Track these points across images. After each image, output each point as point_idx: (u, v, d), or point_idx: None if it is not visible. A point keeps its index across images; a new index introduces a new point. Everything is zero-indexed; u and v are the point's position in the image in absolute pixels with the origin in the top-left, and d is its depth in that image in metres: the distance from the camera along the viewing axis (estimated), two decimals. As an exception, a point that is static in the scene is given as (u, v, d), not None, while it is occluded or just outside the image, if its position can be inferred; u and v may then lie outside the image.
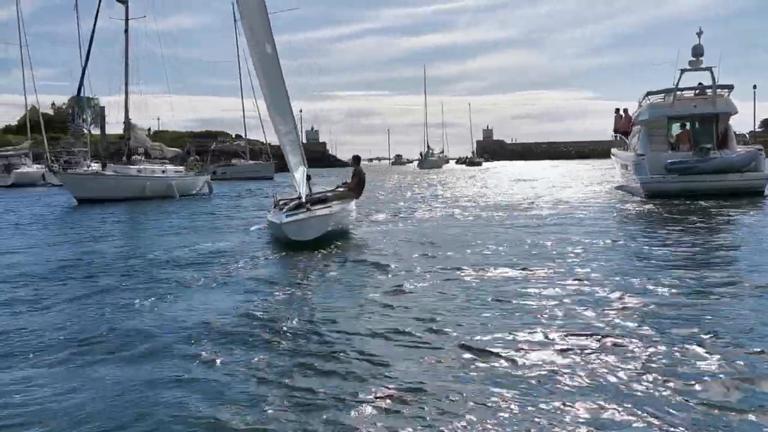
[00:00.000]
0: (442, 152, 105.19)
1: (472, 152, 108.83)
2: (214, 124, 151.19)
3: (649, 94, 21.58)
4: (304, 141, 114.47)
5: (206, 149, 42.05)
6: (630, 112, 24.63)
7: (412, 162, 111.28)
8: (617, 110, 26.42)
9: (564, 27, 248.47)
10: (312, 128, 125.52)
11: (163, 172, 29.30)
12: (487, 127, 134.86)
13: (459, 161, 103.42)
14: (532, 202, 19.65)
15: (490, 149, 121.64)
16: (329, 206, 11.98)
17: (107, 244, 12.80)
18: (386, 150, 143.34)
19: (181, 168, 31.51)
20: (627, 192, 21.32)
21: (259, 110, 50.56)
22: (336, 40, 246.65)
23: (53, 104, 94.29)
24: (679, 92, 21.30)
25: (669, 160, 18.81)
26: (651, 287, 6.98)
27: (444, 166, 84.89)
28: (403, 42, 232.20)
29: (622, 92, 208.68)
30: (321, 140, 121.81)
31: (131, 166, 28.13)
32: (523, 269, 8.25)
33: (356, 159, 14.62)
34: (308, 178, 13.00)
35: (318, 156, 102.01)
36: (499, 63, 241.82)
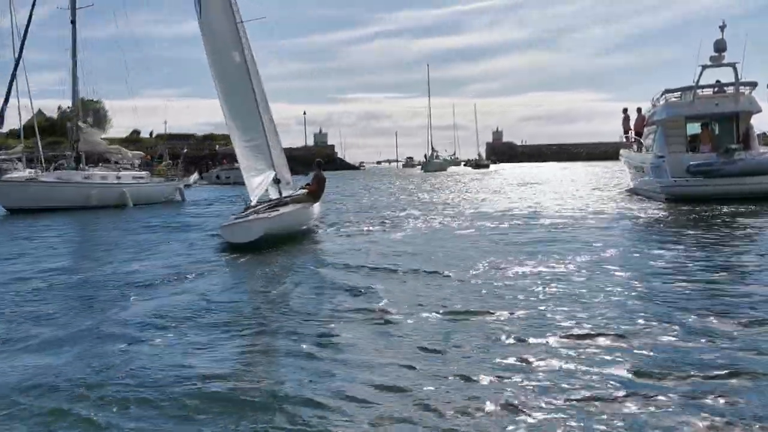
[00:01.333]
0: (454, 154, 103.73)
1: (479, 154, 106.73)
2: (224, 127, 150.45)
3: (667, 92, 20.34)
4: (311, 144, 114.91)
5: (179, 153, 37.35)
6: (643, 112, 23.44)
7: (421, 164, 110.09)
8: (625, 110, 25.37)
9: (575, 28, 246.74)
10: (320, 131, 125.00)
11: (118, 178, 26.13)
12: (497, 128, 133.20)
13: (467, 164, 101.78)
14: (535, 211, 17.33)
15: (500, 151, 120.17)
16: (275, 210, 12.25)
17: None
18: (397, 152, 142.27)
19: (143, 174, 28.27)
20: (642, 195, 20.11)
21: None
22: (348, 42, 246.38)
23: (59, 107, 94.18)
24: (698, 90, 20.10)
25: (691, 162, 17.59)
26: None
27: (450, 169, 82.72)
28: (415, 44, 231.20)
29: (635, 94, 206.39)
30: (330, 143, 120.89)
31: (77, 172, 25.20)
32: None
33: (318, 164, 14.91)
34: (277, 181, 13.63)
35: (326, 159, 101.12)
36: (510, 65, 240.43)
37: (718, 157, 17.58)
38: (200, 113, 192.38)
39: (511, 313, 6.11)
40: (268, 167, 13.71)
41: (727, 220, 13.31)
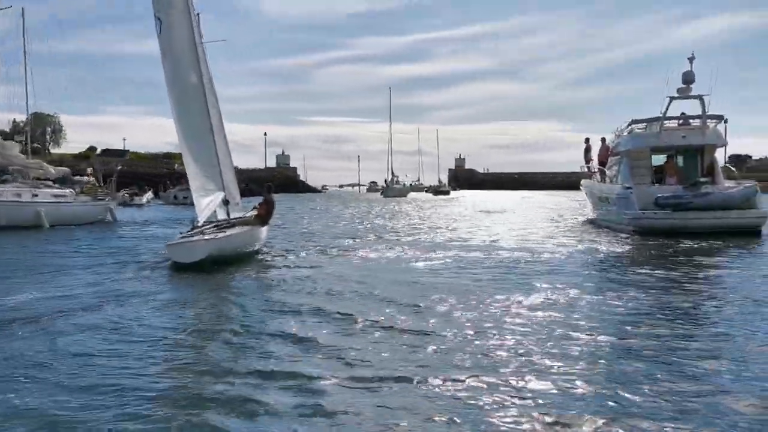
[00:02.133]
0: (418, 180, 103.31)
1: (439, 181, 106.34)
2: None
3: (634, 122, 20.09)
4: (274, 165, 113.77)
5: (112, 171, 33.07)
6: (607, 142, 23.21)
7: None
8: (587, 140, 25.36)
9: (539, 61, 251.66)
10: (282, 152, 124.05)
11: (34, 196, 23.45)
12: (460, 155, 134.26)
13: (428, 190, 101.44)
14: (494, 241, 16.27)
15: (462, 178, 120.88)
16: (222, 232, 12.28)
17: None
18: (359, 176, 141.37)
19: (66, 192, 25.43)
20: (606, 227, 19.67)
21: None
22: (314, 66, 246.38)
23: (14, 121, 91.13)
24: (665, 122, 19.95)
25: (659, 194, 17.24)
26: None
27: (411, 195, 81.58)
28: (380, 70, 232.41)
29: (597, 126, 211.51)
30: (292, 165, 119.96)
31: None
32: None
33: (268, 188, 15.16)
34: (226, 203, 13.71)
35: (287, 181, 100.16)
36: (474, 94, 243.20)
37: (685, 190, 17.28)
38: (165, 131, 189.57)
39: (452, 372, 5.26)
40: (218, 188, 13.67)
41: (694, 257, 12.75)
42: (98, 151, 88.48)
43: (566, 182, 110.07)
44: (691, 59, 18.82)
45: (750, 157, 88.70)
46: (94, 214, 25.80)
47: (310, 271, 11.13)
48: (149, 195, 52.53)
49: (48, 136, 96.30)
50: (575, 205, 39.96)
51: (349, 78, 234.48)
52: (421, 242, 16.37)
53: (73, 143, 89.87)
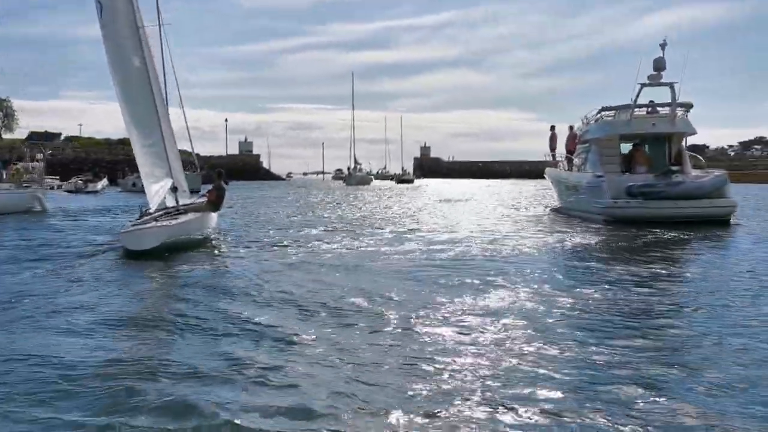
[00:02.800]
0: (384, 168, 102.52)
1: (402, 169, 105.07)
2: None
3: (604, 109, 19.71)
4: (236, 152, 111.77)
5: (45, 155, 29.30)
6: (575, 130, 22.89)
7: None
8: (552, 128, 24.95)
9: (501, 50, 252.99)
10: (245, 139, 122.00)
11: None
12: (425, 144, 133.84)
13: (392, 178, 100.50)
14: (457, 233, 15.08)
15: (427, 166, 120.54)
16: (174, 219, 12.18)
17: None
18: (325, 164, 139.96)
19: None
20: (574, 216, 19.30)
21: (186, 120, 47.33)
22: (279, 52, 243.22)
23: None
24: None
25: (630, 183, 16.89)
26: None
27: (374, 183, 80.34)
28: (345, 57, 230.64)
29: (560, 115, 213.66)
30: (255, 152, 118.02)
31: None
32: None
33: (218, 173, 14.92)
34: (174, 189, 13.57)
35: (250, 168, 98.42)
36: (438, 82, 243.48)
37: (656, 178, 16.98)
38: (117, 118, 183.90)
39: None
40: (166, 175, 13.54)
41: (669, 248, 12.34)
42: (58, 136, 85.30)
43: (532, 171, 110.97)
44: (662, 45, 18.44)
45: (707, 147, 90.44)
46: (19, 203, 22.99)
47: (248, 261, 10.60)
48: (104, 182, 50.70)
49: (0, 121, 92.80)
50: (541, 193, 39.96)
51: (315, 65, 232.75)
52: (403, 233, 15.17)
53: (28, 129, 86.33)
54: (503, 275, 8.95)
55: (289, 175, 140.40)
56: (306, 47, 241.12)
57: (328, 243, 13.14)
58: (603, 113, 19.79)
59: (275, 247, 12.45)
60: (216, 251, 12.09)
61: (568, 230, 15.57)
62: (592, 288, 8.02)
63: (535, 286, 8.13)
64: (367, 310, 6.85)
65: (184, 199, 14.19)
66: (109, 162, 64.01)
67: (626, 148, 19.45)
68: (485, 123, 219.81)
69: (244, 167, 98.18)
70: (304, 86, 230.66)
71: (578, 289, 7.92)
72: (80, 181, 47.47)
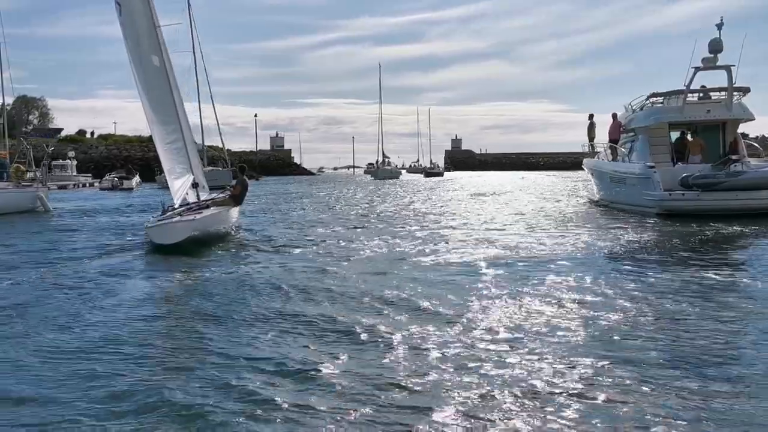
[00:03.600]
0: (417, 161, 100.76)
1: (431, 162, 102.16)
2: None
3: (654, 95, 18.55)
4: (268, 148, 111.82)
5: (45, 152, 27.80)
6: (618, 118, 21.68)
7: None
8: (591, 116, 23.76)
9: (529, 41, 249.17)
10: (276, 134, 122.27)
11: None
12: (456, 136, 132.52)
13: (416, 171, 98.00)
14: (499, 230, 14.22)
15: (459, 159, 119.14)
16: (198, 213, 12.23)
17: None
18: (356, 158, 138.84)
19: None
20: (620, 209, 18.21)
21: (216, 116, 47.64)
22: (308, 48, 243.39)
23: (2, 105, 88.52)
24: (680, 95, 18.50)
25: (685, 174, 15.78)
26: None
27: (404, 177, 77.91)
28: (374, 51, 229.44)
29: (592, 105, 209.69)
30: (287, 147, 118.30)
31: None
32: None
33: (241, 168, 15.55)
34: (195, 185, 13.62)
35: (281, 164, 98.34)
36: (470, 74, 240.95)
37: (713, 168, 15.85)
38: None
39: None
40: (188, 171, 13.65)
41: (730, 245, 11.34)
42: (92, 134, 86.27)
43: (565, 162, 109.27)
44: (719, 25, 17.15)
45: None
46: (19, 203, 21.63)
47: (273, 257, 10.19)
48: (137, 179, 50.82)
49: (36, 120, 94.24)
50: (578, 185, 38.62)
51: (345, 60, 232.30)
52: (408, 233, 13.97)
53: (63, 127, 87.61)
54: (550, 281, 8.05)
55: (320, 169, 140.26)
56: (335, 42, 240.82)
57: (354, 243, 12.36)
58: (652, 99, 18.62)
59: (296, 249, 11.59)
60: (242, 252, 11.52)
61: (619, 226, 14.43)
62: (649, 302, 6.95)
63: (588, 296, 7.20)
64: (399, 322, 6.07)
65: (204, 195, 14.30)
66: (140, 159, 64.21)
67: (673, 136, 18.38)
68: (515, 115, 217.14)
69: (276, 162, 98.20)
70: (334, 81, 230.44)
71: (638, 304, 6.89)
72: (116, 179, 47.65)
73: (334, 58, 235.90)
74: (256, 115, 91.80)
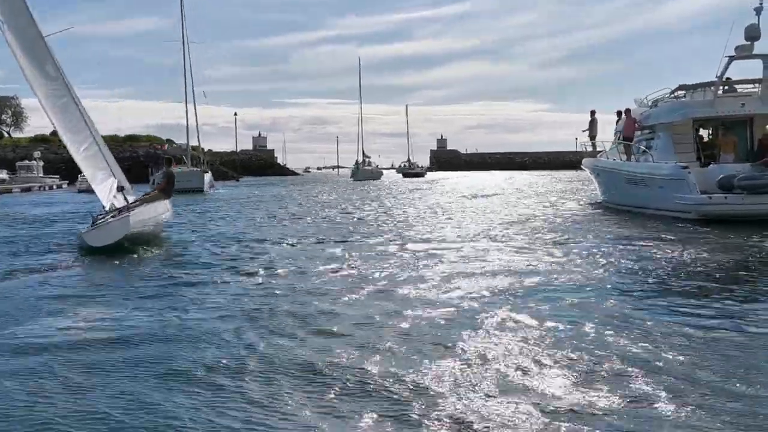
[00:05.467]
0: (408, 161, 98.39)
1: (409, 160, 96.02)
2: (165, 130, 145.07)
3: (681, 88, 16.76)
4: (250, 148, 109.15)
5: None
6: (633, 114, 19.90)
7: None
8: (593, 113, 22.26)
9: (517, 41, 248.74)
10: (259, 134, 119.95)
11: None
12: (441, 136, 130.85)
13: (398, 170, 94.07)
14: (504, 243, 11.69)
15: (444, 159, 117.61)
16: (128, 213, 11.94)
17: None
18: (343, 158, 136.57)
19: None
20: (638, 214, 16.39)
21: (197, 116, 45.61)
22: (295, 47, 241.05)
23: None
24: (701, 89, 16.82)
25: (725, 175, 14.01)
26: None
27: (384, 178, 72.86)
28: (364, 51, 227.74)
29: (576, 105, 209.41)
30: (269, 147, 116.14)
31: None
32: None
33: (168, 161, 15.78)
34: (121, 189, 13.36)
35: (263, 164, 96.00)
36: (458, 74, 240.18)
37: (754, 168, 14.10)
38: (146, 114, 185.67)
39: None
40: (109, 175, 13.52)
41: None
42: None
43: (551, 162, 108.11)
44: (758, 10, 15.31)
45: None
46: None
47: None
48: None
49: (9, 119, 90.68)
50: (571, 187, 36.98)
51: (331, 59, 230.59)
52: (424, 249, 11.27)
53: (39, 127, 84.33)
54: (572, 315, 6.06)
55: (307, 169, 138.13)
56: (322, 41, 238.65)
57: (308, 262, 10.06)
58: (677, 93, 16.84)
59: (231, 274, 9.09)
60: (169, 283, 8.63)
61: (645, 236, 12.25)
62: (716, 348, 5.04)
63: (629, 337, 5.18)
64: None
65: (131, 197, 14.04)
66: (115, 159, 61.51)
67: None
68: (501, 114, 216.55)
69: (258, 163, 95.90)
70: (320, 80, 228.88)
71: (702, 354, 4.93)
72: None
73: (320, 58, 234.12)
74: (236, 114, 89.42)
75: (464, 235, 13.18)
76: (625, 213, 17.25)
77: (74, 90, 13.75)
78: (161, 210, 13.80)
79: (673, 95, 17.05)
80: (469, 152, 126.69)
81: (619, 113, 20.79)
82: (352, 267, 9.42)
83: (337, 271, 9.06)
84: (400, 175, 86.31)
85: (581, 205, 21.90)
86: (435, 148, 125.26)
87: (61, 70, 13.30)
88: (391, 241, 12.56)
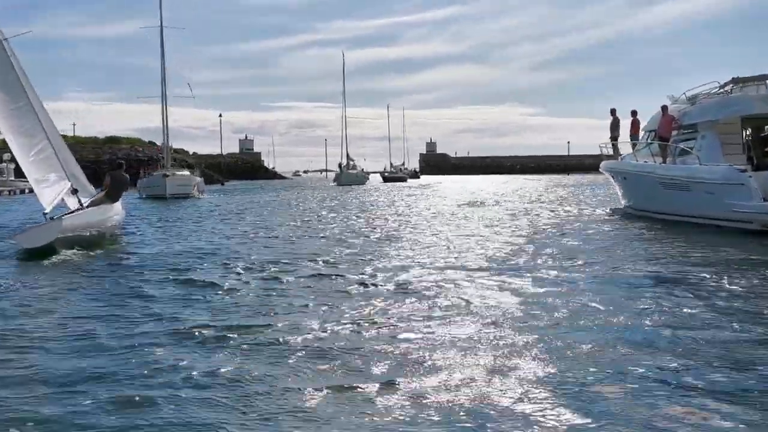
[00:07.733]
0: (403, 164, 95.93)
1: (390, 164, 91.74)
2: (149, 133, 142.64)
3: (735, 81, 14.95)
4: (236, 151, 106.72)
5: None
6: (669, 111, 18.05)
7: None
8: (613, 111, 20.51)
9: (511, 44, 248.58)
10: (246, 137, 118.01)
11: None
12: (430, 140, 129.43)
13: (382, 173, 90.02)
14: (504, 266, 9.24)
15: (434, 163, 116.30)
16: (65, 216, 12.20)
17: None
18: (331, 162, 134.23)
19: None
20: (675, 221, 14.63)
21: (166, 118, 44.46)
22: (283, 51, 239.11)
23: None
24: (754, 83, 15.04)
25: None
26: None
27: (367, 183, 67.86)
28: (351, 54, 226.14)
29: (563, 109, 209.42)
30: (256, 150, 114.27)
31: None
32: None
33: (118, 164, 16.19)
34: (75, 191, 13.27)
35: (249, 168, 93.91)
36: (445, 78, 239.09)
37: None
38: (130, 117, 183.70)
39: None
40: (62, 178, 13.22)
41: None
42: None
43: (540, 166, 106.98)
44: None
45: None
46: None
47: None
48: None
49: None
50: (576, 192, 35.58)
51: (318, 62, 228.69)
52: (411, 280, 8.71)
53: None
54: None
55: (296, 173, 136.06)
56: (311, 45, 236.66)
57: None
58: (727, 88, 15.04)
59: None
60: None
61: (697, 255, 10.00)
62: None
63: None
64: None
65: (86, 199, 13.77)
66: (93, 162, 58.85)
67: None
68: (489, 118, 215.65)
69: (244, 166, 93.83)
70: (307, 84, 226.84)
71: None
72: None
73: (307, 61, 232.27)
74: (221, 115, 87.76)
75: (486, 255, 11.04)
76: (655, 221, 15.51)
77: (35, 93, 13.91)
78: (105, 215, 13.84)
79: (722, 90, 15.22)
80: (459, 156, 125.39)
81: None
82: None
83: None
84: (400, 182, 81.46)
85: (604, 211, 20.09)
86: (424, 151, 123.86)
87: (20, 73, 13.39)
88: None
